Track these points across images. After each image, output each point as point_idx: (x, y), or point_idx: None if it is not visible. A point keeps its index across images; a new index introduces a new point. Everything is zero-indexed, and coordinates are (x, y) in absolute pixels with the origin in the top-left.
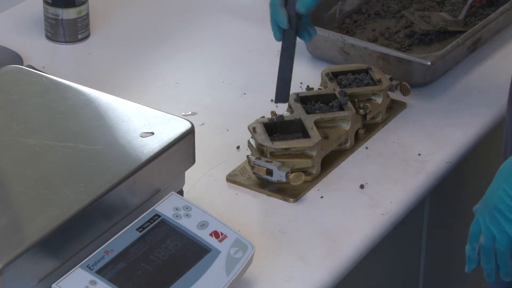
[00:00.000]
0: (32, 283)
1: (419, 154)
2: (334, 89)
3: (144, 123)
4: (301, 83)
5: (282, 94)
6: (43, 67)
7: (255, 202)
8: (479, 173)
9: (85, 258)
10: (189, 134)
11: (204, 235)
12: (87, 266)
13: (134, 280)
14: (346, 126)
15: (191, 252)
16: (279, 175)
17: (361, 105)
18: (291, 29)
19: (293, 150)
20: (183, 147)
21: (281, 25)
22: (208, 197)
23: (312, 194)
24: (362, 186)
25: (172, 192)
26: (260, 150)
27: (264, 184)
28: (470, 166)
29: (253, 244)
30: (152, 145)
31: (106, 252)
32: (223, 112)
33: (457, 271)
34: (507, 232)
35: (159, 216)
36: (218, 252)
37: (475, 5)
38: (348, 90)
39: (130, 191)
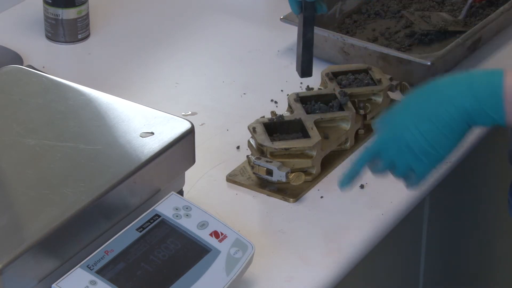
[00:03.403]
0: (32, 283)
1: None
2: (334, 89)
3: (144, 123)
4: (301, 83)
5: (308, 68)
6: (43, 67)
7: (255, 202)
8: (479, 173)
9: (85, 258)
10: (189, 134)
11: (204, 235)
12: (87, 266)
13: (134, 280)
14: (346, 126)
15: (191, 252)
16: (279, 175)
17: (361, 105)
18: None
19: (293, 150)
20: (183, 147)
21: None
22: (208, 197)
23: (312, 194)
24: (362, 186)
25: (172, 192)
26: (260, 150)
27: (264, 184)
28: (470, 166)
29: (253, 244)
30: (152, 145)
31: (106, 252)
32: (223, 112)
33: (457, 271)
34: (413, 169)
35: (159, 216)
36: (218, 252)
37: (475, 5)
38: (348, 90)
39: (130, 191)
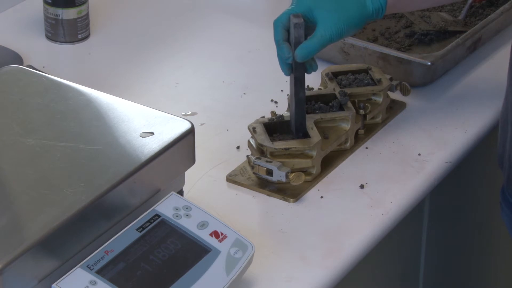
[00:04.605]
0: (32, 283)
1: (419, 154)
2: (334, 89)
3: (144, 123)
4: None
5: (302, 126)
6: (43, 67)
7: (255, 202)
8: (479, 173)
9: (85, 258)
10: (189, 134)
11: (204, 235)
12: (87, 266)
13: (134, 280)
14: (346, 126)
15: (191, 252)
16: (279, 175)
17: (361, 105)
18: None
19: (293, 150)
20: (183, 147)
21: (287, 60)
22: (208, 197)
23: (312, 194)
24: (362, 186)
25: (172, 192)
26: (260, 150)
27: (264, 184)
28: (470, 166)
29: (253, 244)
30: (152, 145)
31: (106, 252)
32: (223, 112)
33: (457, 271)
34: None
35: (159, 216)
36: (218, 252)
37: (475, 5)
38: (348, 90)
39: (130, 191)
